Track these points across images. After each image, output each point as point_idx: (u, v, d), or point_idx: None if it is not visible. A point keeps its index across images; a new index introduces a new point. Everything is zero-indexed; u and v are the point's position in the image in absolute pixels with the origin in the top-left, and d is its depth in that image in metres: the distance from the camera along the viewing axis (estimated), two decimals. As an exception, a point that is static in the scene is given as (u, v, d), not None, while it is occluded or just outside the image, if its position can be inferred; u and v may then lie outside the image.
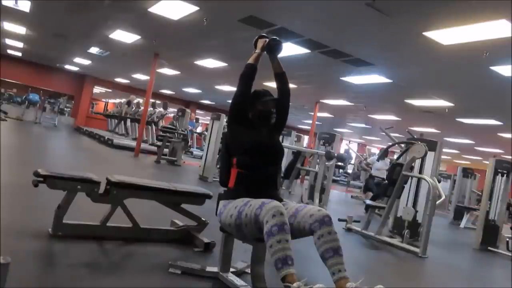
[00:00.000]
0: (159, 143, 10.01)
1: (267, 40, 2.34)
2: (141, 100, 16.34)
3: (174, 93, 18.23)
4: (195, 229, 2.94)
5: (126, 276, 2.16)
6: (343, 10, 4.92)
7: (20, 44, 12.30)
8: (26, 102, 15.73)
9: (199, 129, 17.96)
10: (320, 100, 12.02)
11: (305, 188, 6.99)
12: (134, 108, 14.69)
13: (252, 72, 2.25)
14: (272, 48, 2.33)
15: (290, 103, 2.41)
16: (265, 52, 2.35)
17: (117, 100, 21.20)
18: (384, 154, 7.41)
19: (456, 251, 5.62)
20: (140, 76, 14.42)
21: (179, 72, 12.21)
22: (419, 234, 4.71)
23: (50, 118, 16.14)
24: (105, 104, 27.22)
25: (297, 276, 1.69)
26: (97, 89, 21.17)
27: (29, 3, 7.31)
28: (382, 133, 9.02)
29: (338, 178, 15.29)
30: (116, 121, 15.60)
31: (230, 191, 2.15)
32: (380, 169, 8.06)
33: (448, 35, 4.93)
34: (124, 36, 8.56)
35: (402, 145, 5.69)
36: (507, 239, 5.58)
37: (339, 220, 4.96)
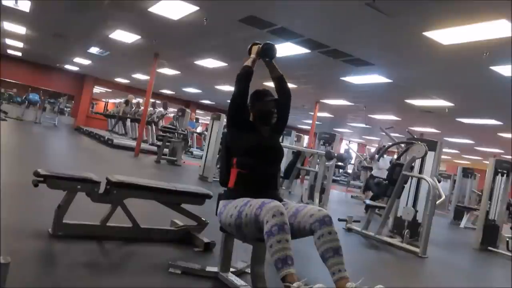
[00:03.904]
0: (159, 143, 10.01)
1: (261, 45, 2.34)
2: (141, 100, 16.35)
3: (174, 93, 18.22)
4: (195, 229, 2.94)
5: (126, 276, 2.16)
6: (343, 10, 4.91)
7: (20, 44, 12.30)
8: (26, 102, 15.73)
9: (199, 129, 17.96)
10: (320, 100, 12.02)
11: (305, 188, 6.99)
12: (134, 108, 14.68)
13: (248, 73, 2.26)
14: (266, 52, 2.34)
15: (290, 104, 2.41)
16: (261, 58, 2.35)
17: (117, 100, 21.20)
18: (383, 153, 7.42)
19: (456, 251, 5.62)
20: (140, 76, 14.42)
21: (179, 72, 12.20)
22: (419, 234, 4.71)
23: (50, 118, 16.15)
24: (105, 104, 27.23)
25: (297, 276, 1.68)
26: (97, 89, 21.16)
27: (29, 3, 7.31)
28: (382, 133, 9.02)
29: (338, 178, 15.29)
30: (115, 121, 15.56)
31: (230, 191, 2.15)
32: (382, 169, 8.05)
33: (448, 35, 4.93)
34: (124, 36, 8.56)
35: (402, 145, 5.69)
36: (507, 239, 5.58)
37: (339, 220, 4.96)
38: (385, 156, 8.03)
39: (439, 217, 8.66)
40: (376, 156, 8.47)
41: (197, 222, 2.96)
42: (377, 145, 10.15)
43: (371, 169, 8.41)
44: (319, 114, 13.35)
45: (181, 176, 8.00)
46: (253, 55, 2.33)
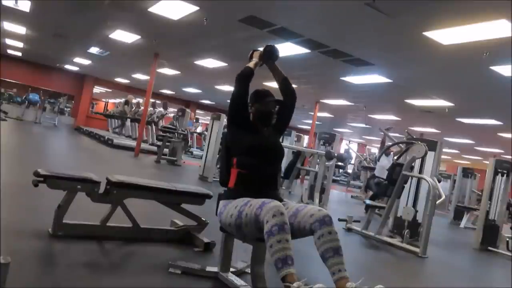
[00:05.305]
0: (159, 143, 10.00)
1: (262, 49, 2.33)
2: (141, 100, 16.34)
3: (174, 93, 18.22)
4: (195, 229, 2.94)
5: (126, 276, 2.16)
6: (343, 10, 4.91)
7: (20, 44, 12.31)
8: (26, 102, 15.73)
9: (199, 129, 17.96)
10: (320, 100, 12.02)
11: (305, 188, 6.99)
12: (134, 108, 14.67)
13: (249, 74, 2.26)
14: (269, 54, 2.32)
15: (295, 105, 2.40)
16: (263, 63, 2.35)
17: (117, 100, 21.18)
18: (383, 152, 7.42)
19: (456, 251, 5.62)
20: (140, 76, 14.42)
21: (179, 72, 12.21)
22: (419, 234, 4.71)
23: (50, 118, 16.14)
24: (105, 104, 27.23)
25: (297, 276, 1.68)
26: (97, 89, 21.16)
27: (29, 3, 7.31)
28: (382, 133, 9.02)
29: (338, 178, 15.29)
30: (117, 121, 15.52)
31: (230, 191, 2.15)
32: (384, 168, 8.03)
33: (448, 35, 4.93)
34: (124, 36, 8.56)
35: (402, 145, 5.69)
36: (507, 239, 5.58)
37: (339, 220, 4.96)
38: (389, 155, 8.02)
39: (439, 217, 8.66)
40: (377, 155, 8.47)
41: (197, 222, 2.96)
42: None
43: (371, 169, 8.40)
44: (319, 114, 13.35)
45: (181, 176, 8.00)
46: (255, 59, 2.32)
